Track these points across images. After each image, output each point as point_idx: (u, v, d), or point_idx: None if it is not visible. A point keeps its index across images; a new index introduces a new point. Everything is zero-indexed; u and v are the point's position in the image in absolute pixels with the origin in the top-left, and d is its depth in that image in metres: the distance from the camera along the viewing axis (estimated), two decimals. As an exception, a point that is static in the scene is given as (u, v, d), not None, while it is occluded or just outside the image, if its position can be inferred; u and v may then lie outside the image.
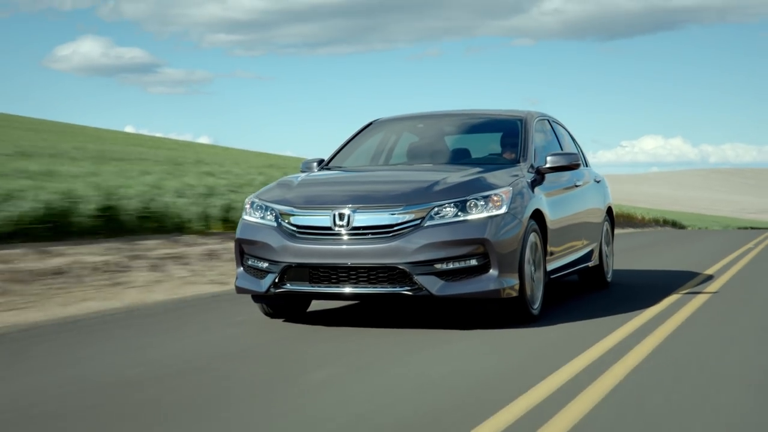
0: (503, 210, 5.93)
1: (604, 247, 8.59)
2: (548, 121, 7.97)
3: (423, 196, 5.89)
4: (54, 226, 10.97)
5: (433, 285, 5.71)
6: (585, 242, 7.81)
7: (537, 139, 7.45)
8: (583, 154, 8.84)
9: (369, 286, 5.81)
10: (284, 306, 6.52)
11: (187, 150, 42.87)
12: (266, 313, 6.56)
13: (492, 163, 6.97)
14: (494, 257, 5.79)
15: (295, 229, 5.99)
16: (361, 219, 5.84)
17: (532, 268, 6.24)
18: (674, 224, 46.84)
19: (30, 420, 3.79)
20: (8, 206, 10.72)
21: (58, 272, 8.77)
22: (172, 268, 9.93)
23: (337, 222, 5.86)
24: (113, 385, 4.40)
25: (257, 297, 6.31)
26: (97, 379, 4.55)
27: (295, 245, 5.91)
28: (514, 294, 5.95)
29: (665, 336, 5.63)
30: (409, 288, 5.73)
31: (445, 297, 5.74)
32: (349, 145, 7.73)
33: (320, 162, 7.44)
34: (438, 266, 5.73)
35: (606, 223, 8.72)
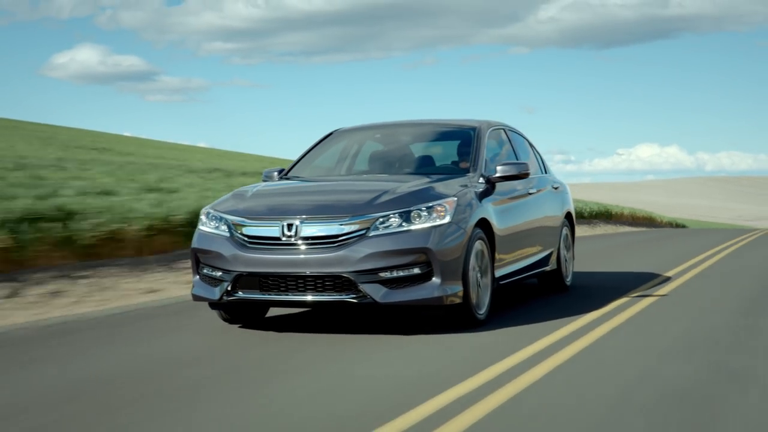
0: (446, 220, 6.15)
1: (563, 252, 8.82)
2: (504, 130, 8.19)
3: (368, 207, 6.12)
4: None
5: (377, 293, 5.93)
6: (539, 248, 8.03)
7: (491, 148, 7.69)
8: (543, 162, 9.07)
9: (316, 294, 6.03)
10: (241, 312, 6.73)
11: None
12: (224, 319, 6.78)
13: (444, 172, 7.19)
14: (437, 266, 6.01)
15: (246, 239, 6.21)
16: (309, 229, 6.06)
17: (478, 275, 6.46)
18: (685, 227, 50.39)
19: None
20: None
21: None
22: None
23: (286, 232, 6.08)
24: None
25: (212, 304, 6.52)
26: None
27: (246, 255, 6.13)
28: (458, 300, 6.17)
29: (587, 345, 5.70)
30: (354, 296, 5.96)
31: (388, 304, 5.97)
32: (309, 154, 7.98)
33: (281, 171, 7.69)
34: (382, 275, 5.96)
35: (565, 228, 8.95)
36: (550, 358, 5.24)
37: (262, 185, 7.14)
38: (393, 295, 5.97)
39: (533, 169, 8.65)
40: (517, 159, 8.05)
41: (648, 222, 41.80)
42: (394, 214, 6.08)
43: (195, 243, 6.52)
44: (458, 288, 6.16)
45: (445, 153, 7.70)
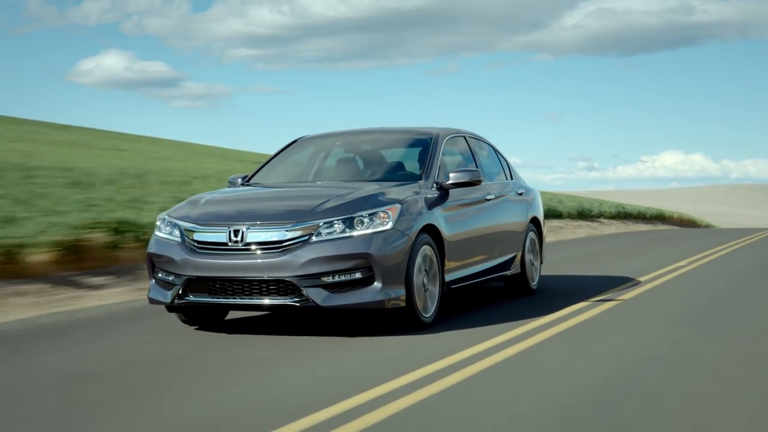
0: (389, 226, 6.36)
1: (528, 256, 9.00)
2: (465, 138, 8.39)
3: (312, 213, 6.34)
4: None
5: (318, 296, 6.15)
6: (498, 252, 8.21)
7: (448, 156, 7.90)
8: (509, 168, 9.26)
9: (261, 297, 6.27)
10: (199, 315, 6.96)
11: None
12: (183, 321, 7.02)
13: (398, 179, 7.38)
14: (378, 270, 6.23)
15: (196, 244, 6.45)
16: (254, 235, 6.29)
17: (424, 280, 6.66)
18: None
19: None
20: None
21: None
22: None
23: (233, 238, 6.32)
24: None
25: (168, 307, 6.75)
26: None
27: (195, 260, 6.37)
28: (401, 304, 6.38)
29: (515, 353, 5.76)
30: (297, 299, 6.18)
31: (330, 307, 6.19)
32: (273, 161, 8.23)
33: (244, 177, 7.95)
34: (324, 279, 6.18)
35: (531, 233, 9.12)
36: (472, 365, 5.34)
37: (216, 192, 7.39)
38: (334, 298, 6.19)
39: (498, 176, 8.84)
40: (476, 166, 8.24)
41: (691, 224, 45.84)
42: (337, 220, 6.30)
43: (150, 248, 6.77)
44: (401, 292, 6.36)
45: (402, 160, 7.89)
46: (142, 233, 10.64)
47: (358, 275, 6.23)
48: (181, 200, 9.28)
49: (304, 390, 4.77)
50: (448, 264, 7.11)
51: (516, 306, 8.09)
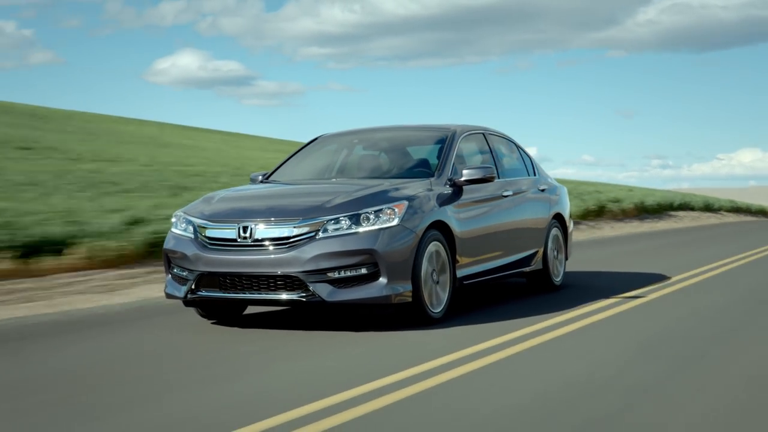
0: (395, 222, 6.45)
1: (551, 253, 9.00)
2: (484, 135, 8.43)
3: (319, 210, 6.46)
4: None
5: (324, 291, 6.28)
6: (516, 249, 8.24)
7: (465, 152, 7.96)
8: (533, 165, 9.27)
9: (269, 292, 6.41)
10: (216, 309, 7.13)
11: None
12: (201, 315, 7.20)
13: (411, 176, 7.47)
14: (383, 266, 6.33)
15: (207, 240, 6.62)
16: (262, 231, 6.44)
17: (433, 276, 6.74)
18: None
19: None
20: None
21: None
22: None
23: (242, 234, 6.47)
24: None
25: (184, 301, 6.93)
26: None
27: (206, 255, 6.54)
28: (408, 299, 6.47)
29: (517, 351, 5.74)
30: (304, 294, 6.31)
31: (336, 302, 6.30)
32: (293, 158, 8.38)
33: (264, 175, 8.12)
34: (330, 274, 6.30)
35: (554, 229, 9.13)
36: (471, 362, 5.38)
37: (231, 190, 7.58)
38: (340, 293, 6.30)
39: (519, 173, 8.86)
40: (494, 163, 8.28)
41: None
42: (343, 217, 6.42)
43: (166, 244, 6.95)
44: (407, 288, 6.45)
45: (417, 157, 7.97)
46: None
47: (363, 271, 6.34)
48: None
49: (297, 383, 4.89)
50: (460, 260, 7.17)
51: (533, 303, 8.10)
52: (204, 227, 6.69)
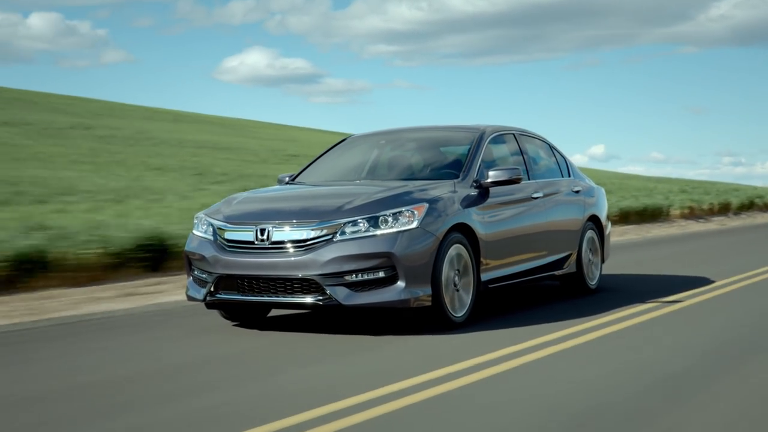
0: (414, 225, 6.34)
1: (587, 255, 8.81)
2: (514, 135, 8.27)
3: (336, 212, 6.38)
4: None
5: (341, 295, 6.18)
6: (546, 251, 8.06)
7: (494, 153, 7.81)
8: (567, 166, 9.07)
9: (287, 295, 6.34)
10: (239, 312, 7.09)
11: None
12: (224, 317, 7.17)
13: (437, 177, 7.35)
14: (401, 269, 6.21)
15: (226, 242, 6.58)
16: (279, 234, 6.37)
17: (455, 279, 6.62)
18: None
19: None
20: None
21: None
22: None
23: (259, 236, 6.41)
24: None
25: (206, 304, 6.89)
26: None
27: (225, 258, 6.50)
28: (427, 303, 6.35)
29: (535, 359, 5.59)
30: (321, 298, 6.23)
31: (353, 306, 6.21)
32: (321, 159, 8.32)
33: (291, 176, 8.07)
34: (347, 277, 6.21)
35: (590, 231, 8.92)
36: (487, 369, 5.27)
37: (253, 191, 7.53)
38: (357, 297, 6.21)
39: (552, 174, 8.68)
40: (524, 164, 8.12)
41: None
42: (362, 219, 6.32)
43: (187, 246, 6.93)
44: (427, 291, 6.33)
45: (444, 158, 7.84)
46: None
47: (381, 274, 6.24)
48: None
49: (304, 387, 4.81)
50: (485, 263, 7.03)
51: (561, 307, 7.92)
52: (223, 229, 6.65)
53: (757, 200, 34.25)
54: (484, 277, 7.04)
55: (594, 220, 9.08)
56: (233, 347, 6.14)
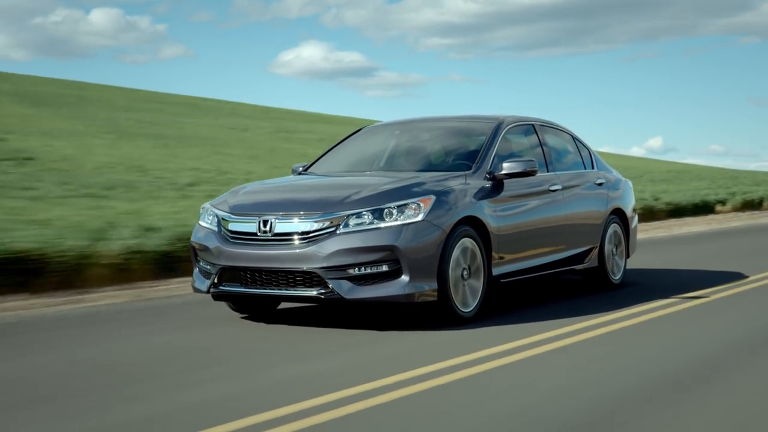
0: (419, 218, 6.19)
1: (610, 249, 8.58)
2: (534, 126, 8.06)
3: (340, 204, 6.24)
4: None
5: (343, 288, 6.06)
6: (565, 245, 7.86)
7: (511, 145, 7.63)
8: (591, 158, 8.84)
9: (289, 288, 6.23)
10: (247, 304, 7.00)
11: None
12: (233, 310, 7.09)
13: (450, 169, 7.18)
14: (405, 263, 6.07)
15: (230, 234, 6.48)
16: (282, 226, 6.26)
17: (464, 274, 6.45)
18: None
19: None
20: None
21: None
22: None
23: (262, 228, 6.30)
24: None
25: (212, 296, 6.80)
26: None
27: (228, 249, 6.40)
28: (433, 298, 6.20)
29: (533, 355, 5.49)
30: (323, 291, 6.10)
31: (355, 300, 6.08)
32: (335, 150, 8.20)
33: (305, 166, 7.97)
34: (350, 271, 6.07)
35: (613, 225, 8.69)
36: (485, 363, 5.15)
37: (260, 182, 7.42)
38: (359, 291, 6.07)
39: (573, 166, 8.47)
40: (543, 155, 7.92)
41: None
42: (366, 211, 6.18)
43: (193, 237, 6.85)
44: (432, 285, 6.18)
45: (458, 149, 7.67)
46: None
47: (384, 268, 6.10)
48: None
49: (293, 382, 4.70)
50: (497, 257, 6.85)
51: (581, 302, 7.72)
52: (227, 220, 6.55)
53: None
54: (496, 271, 6.87)
55: (618, 213, 8.84)
56: (237, 338, 6.05)
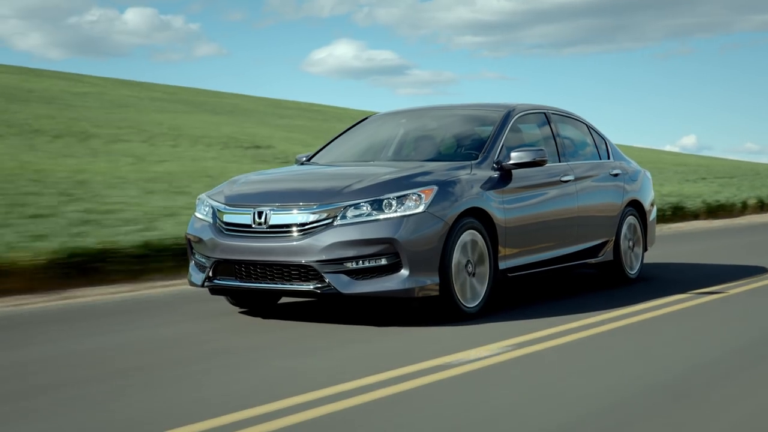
0: (420, 209, 5.92)
1: (624, 243, 8.27)
2: (545, 114, 7.77)
3: (337, 195, 5.99)
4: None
5: (340, 283, 5.80)
6: (578, 238, 7.56)
7: (522, 134, 7.36)
8: (607, 148, 8.54)
9: (284, 282, 5.98)
10: (247, 299, 6.78)
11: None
12: (232, 304, 6.87)
13: (456, 158, 6.92)
14: (405, 256, 5.81)
15: (224, 226, 6.25)
16: (277, 217, 6.02)
17: (468, 268, 6.19)
18: None
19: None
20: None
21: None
22: None
23: (257, 220, 6.07)
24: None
25: (210, 290, 6.58)
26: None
27: (222, 242, 6.17)
28: (434, 293, 5.94)
29: (526, 353, 5.24)
30: (319, 285, 5.85)
31: (353, 295, 5.83)
32: (340, 139, 7.96)
33: (308, 156, 7.74)
34: (348, 264, 5.82)
35: (630, 218, 8.38)
36: (481, 361, 4.90)
37: (257, 172, 7.19)
38: (357, 285, 5.82)
39: (588, 156, 8.18)
40: (555, 145, 7.62)
41: None
42: (365, 202, 5.93)
43: (188, 229, 6.63)
44: (434, 280, 5.92)
45: (466, 138, 7.38)
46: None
47: (383, 261, 5.84)
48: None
49: (279, 379, 4.47)
50: (503, 251, 6.58)
51: (594, 297, 7.42)
52: (222, 212, 6.32)
53: None
54: (503, 265, 6.59)
55: (635, 205, 8.53)
56: (235, 332, 5.83)
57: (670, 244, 12.94)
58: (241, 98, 54.38)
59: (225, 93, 57.57)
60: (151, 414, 3.93)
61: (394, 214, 5.88)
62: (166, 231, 9.23)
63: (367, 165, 7.01)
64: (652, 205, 8.97)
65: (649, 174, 9.15)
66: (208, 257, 6.26)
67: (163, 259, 8.73)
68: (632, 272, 8.41)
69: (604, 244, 7.98)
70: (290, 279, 5.95)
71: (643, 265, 8.70)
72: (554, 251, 7.28)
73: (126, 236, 8.83)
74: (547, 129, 7.70)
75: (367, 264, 5.83)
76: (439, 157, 7.07)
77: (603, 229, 7.96)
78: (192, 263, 6.60)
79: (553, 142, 7.64)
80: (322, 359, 5.02)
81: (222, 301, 7.06)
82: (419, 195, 5.97)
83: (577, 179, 7.60)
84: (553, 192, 7.26)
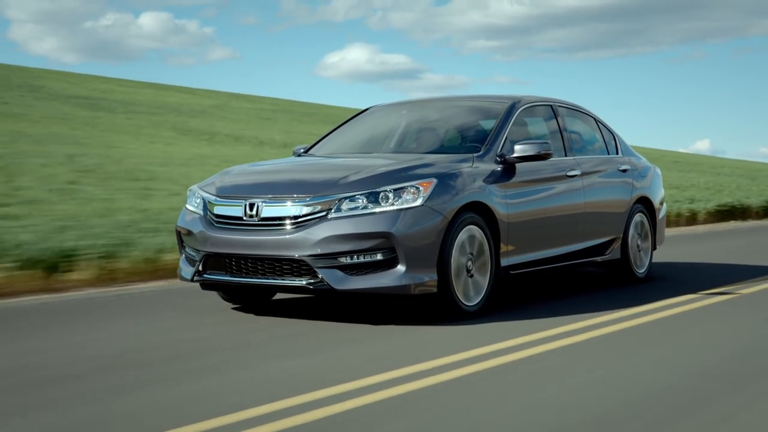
0: (418, 203, 5.67)
1: (633, 241, 8.00)
2: (552, 107, 7.51)
3: (332, 187, 5.74)
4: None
5: (334, 278, 5.56)
6: (584, 235, 7.30)
7: (527, 126, 7.12)
8: (616, 143, 8.28)
9: (276, 277, 5.73)
10: (240, 294, 6.54)
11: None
12: (224, 299, 6.63)
13: (458, 151, 6.67)
14: (402, 252, 5.56)
15: (215, 218, 6.01)
16: (269, 210, 5.77)
17: (468, 264, 5.94)
18: None
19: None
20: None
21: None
22: None
23: (248, 212, 5.82)
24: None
25: (201, 285, 6.33)
26: None
27: (213, 234, 5.93)
28: (432, 290, 5.69)
29: (522, 357, 4.94)
30: (312, 281, 5.61)
31: (346, 291, 5.58)
32: (340, 129, 7.74)
33: (306, 148, 7.51)
34: (342, 259, 5.57)
35: (638, 215, 8.11)
36: (476, 364, 4.66)
37: (252, 163, 6.95)
38: (351, 281, 5.57)
39: (596, 151, 7.92)
40: (562, 139, 7.36)
41: None
42: (360, 195, 5.67)
43: (178, 221, 6.39)
44: (432, 276, 5.67)
45: (469, 131, 7.13)
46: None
47: (378, 256, 5.58)
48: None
49: (272, 380, 4.23)
50: (506, 247, 6.32)
51: (598, 297, 7.15)
52: (213, 204, 6.08)
53: None
54: (505, 262, 6.34)
55: (644, 202, 8.26)
56: (228, 330, 5.59)
57: (679, 245, 12.65)
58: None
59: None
60: (146, 412, 3.74)
61: (391, 208, 5.63)
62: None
63: (367, 157, 6.76)
64: (661, 202, 8.69)
65: (659, 170, 8.88)
66: (198, 251, 6.02)
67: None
68: (640, 271, 8.14)
69: (611, 242, 7.72)
70: (282, 274, 5.70)
71: (651, 264, 8.42)
72: (559, 248, 7.02)
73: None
74: (553, 122, 7.43)
75: (362, 259, 5.58)
76: (440, 150, 6.83)
77: (610, 226, 7.70)
78: (182, 257, 6.36)
79: (560, 135, 7.38)
80: (318, 360, 4.76)
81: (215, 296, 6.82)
82: (417, 188, 5.72)
83: (584, 174, 7.33)
84: (558, 187, 7.00)
